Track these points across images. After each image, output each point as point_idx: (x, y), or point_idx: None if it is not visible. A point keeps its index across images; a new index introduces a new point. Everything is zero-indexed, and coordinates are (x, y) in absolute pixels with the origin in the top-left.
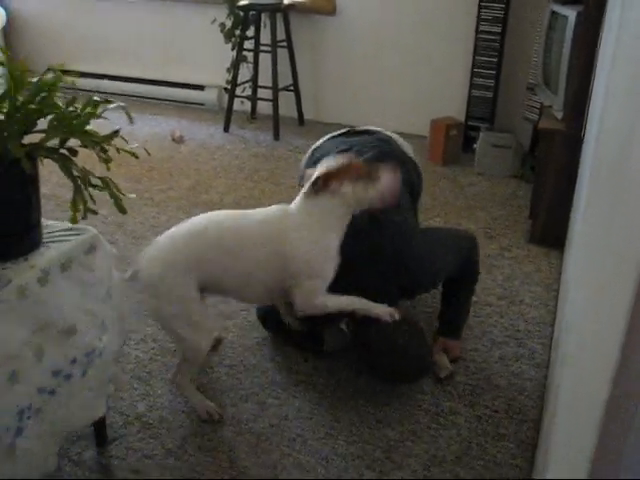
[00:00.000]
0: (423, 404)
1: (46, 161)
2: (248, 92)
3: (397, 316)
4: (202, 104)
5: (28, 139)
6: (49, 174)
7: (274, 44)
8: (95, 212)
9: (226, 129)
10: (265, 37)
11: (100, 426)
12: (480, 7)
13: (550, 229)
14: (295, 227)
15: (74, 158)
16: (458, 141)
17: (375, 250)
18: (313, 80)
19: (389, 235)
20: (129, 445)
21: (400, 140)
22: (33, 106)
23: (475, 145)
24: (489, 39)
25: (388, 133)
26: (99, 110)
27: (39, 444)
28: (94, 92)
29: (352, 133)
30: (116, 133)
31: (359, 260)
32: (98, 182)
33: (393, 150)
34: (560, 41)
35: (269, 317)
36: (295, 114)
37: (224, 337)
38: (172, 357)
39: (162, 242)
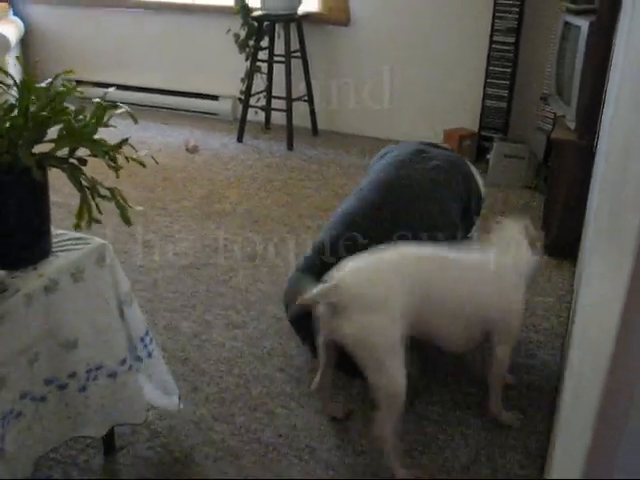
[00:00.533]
0: (431, 415)
1: (59, 170)
2: (262, 102)
3: None
4: (216, 114)
5: (38, 148)
6: (62, 184)
7: (288, 54)
8: (99, 221)
9: (240, 139)
10: (279, 47)
11: (108, 434)
12: (494, 18)
13: (563, 240)
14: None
15: (83, 167)
16: (471, 151)
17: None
18: (327, 90)
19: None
20: (137, 453)
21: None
22: (44, 113)
23: (488, 155)
24: (503, 49)
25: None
26: (107, 116)
27: (15, 448)
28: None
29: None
30: (125, 141)
31: None
32: (107, 193)
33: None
34: (573, 51)
35: (303, 323)
36: (309, 124)
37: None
38: (180, 364)
39: (373, 262)
